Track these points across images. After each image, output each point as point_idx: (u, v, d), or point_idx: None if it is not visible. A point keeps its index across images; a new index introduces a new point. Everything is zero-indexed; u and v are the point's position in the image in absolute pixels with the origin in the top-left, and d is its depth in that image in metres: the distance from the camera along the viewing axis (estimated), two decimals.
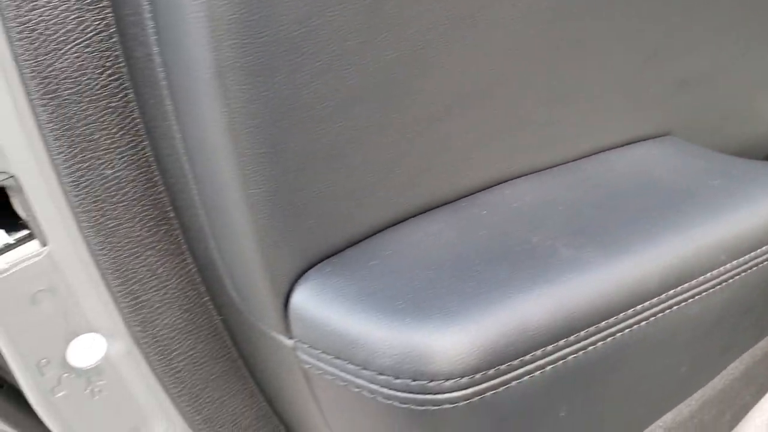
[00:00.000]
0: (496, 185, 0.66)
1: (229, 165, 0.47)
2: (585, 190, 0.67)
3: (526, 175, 0.67)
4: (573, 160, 0.72)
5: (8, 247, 0.53)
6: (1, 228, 0.54)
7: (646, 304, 0.59)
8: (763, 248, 0.69)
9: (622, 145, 0.77)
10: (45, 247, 0.54)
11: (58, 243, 0.54)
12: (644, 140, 0.79)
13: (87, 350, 0.59)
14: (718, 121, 0.89)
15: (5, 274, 0.53)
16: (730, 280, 0.66)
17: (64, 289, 0.55)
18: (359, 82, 0.49)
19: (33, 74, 0.48)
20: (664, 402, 0.73)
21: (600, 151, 0.75)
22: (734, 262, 0.65)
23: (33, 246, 0.54)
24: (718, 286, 0.65)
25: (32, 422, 0.78)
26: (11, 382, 0.78)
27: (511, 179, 0.66)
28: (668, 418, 0.79)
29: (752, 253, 0.67)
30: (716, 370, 0.81)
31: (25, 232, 0.54)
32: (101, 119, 0.51)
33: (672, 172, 0.74)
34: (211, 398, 0.65)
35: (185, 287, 0.60)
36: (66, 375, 0.59)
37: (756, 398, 0.94)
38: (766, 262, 0.70)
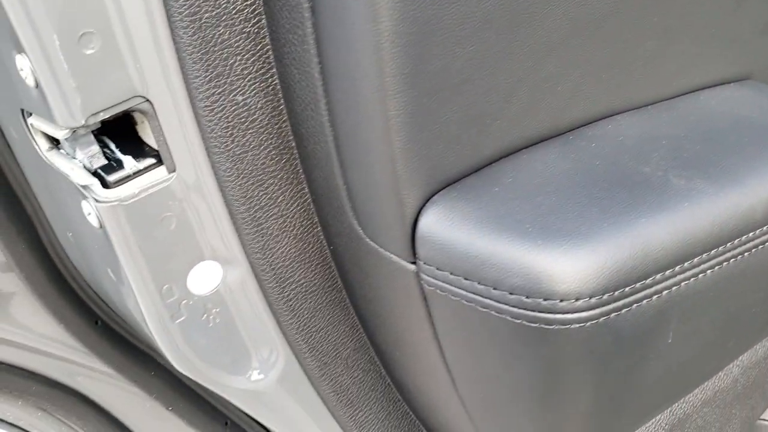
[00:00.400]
0: (598, 120, 0.67)
1: (372, 87, 0.48)
2: (683, 126, 0.68)
3: (626, 111, 0.68)
4: (668, 98, 0.73)
5: (137, 174, 0.54)
6: (129, 154, 0.55)
7: (751, 234, 0.60)
8: None
9: (709, 86, 0.78)
10: (173, 173, 0.55)
11: (185, 169, 0.55)
12: (728, 83, 0.80)
13: (205, 278, 0.60)
14: None
15: (135, 199, 0.54)
16: None
17: (188, 216, 0.57)
18: (493, 5, 0.50)
19: None
20: (752, 335, 0.75)
21: (691, 91, 0.76)
22: None
23: (161, 172, 0.55)
24: None
25: (125, 360, 0.80)
26: (106, 320, 0.80)
27: (611, 115, 0.67)
28: (746, 357, 0.81)
29: None
30: None
31: (152, 160, 0.55)
32: (236, 44, 0.51)
33: (760, 111, 0.75)
34: (317, 327, 0.66)
35: (301, 216, 0.61)
36: (185, 302, 0.60)
37: None
38: None
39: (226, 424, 0.89)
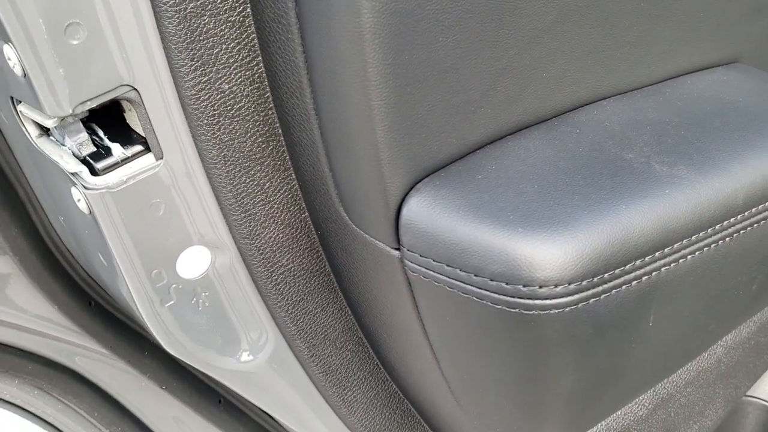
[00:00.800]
0: (584, 105, 0.68)
1: (355, 76, 0.49)
2: (669, 111, 0.69)
3: (612, 96, 0.69)
4: (655, 83, 0.73)
5: (125, 161, 0.55)
6: (116, 141, 0.56)
7: (732, 219, 0.61)
8: None
9: (697, 71, 0.78)
10: (160, 161, 0.56)
11: (173, 156, 0.56)
12: (715, 66, 0.81)
13: (194, 263, 0.62)
14: None
15: (123, 186, 0.55)
16: None
17: (176, 202, 0.57)
18: None
19: None
20: (734, 318, 0.76)
21: (677, 76, 0.76)
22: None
23: (148, 159, 0.56)
24: None
25: (119, 341, 0.82)
26: (99, 301, 0.81)
27: (597, 100, 0.68)
28: (728, 338, 0.83)
29: None
30: None
31: (140, 147, 0.56)
32: (221, 33, 0.52)
33: (747, 96, 0.75)
34: (305, 310, 0.67)
35: (288, 202, 0.62)
36: (175, 286, 0.61)
37: None
38: None
39: (220, 402, 0.91)
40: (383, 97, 0.49)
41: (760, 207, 0.63)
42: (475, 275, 0.53)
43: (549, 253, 0.51)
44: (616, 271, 0.54)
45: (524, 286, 0.52)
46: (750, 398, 1.29)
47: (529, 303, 0.52)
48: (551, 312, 0.53)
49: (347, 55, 0.48)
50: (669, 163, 0.60)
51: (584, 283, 0.53)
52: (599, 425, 0.73)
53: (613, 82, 0.68)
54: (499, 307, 0.53)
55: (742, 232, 0.63)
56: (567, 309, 0.53)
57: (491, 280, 0.52)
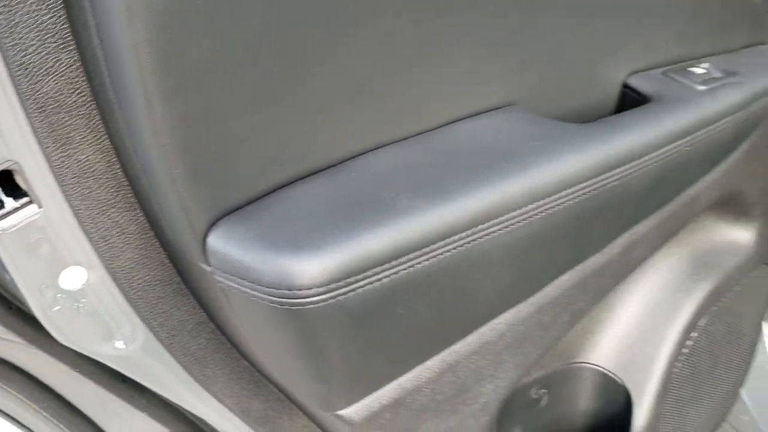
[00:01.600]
0: (367, 152, 0.91)
1: (153, 145, 0.71)
2: (430, 155, 0.92)
3: (392, 143, 0.92)
4: (430, 130, 0.97)
5: (15, 210, 0.79)
6: (10, 196, 0.79)
7: (456, 237, 0.85)
8: (562, 193, 0.95)
9: (474, 115, 1.02)
10: (41, 209, 0.79)
11: (50, 206, 0.79)
12: (491, 110, 1.04)
13: (73, 279, 0.85)
14: (559, 90, 1.13)
15: (14, 228, 0.78)
16: (534, 218, 0.93)
17: (54, 237, 0.81)
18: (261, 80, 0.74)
19: (27, 94, 0.72)
20: (497, 304, 1.01)
21: (454, 121, 1.00)
22: (534, 204, 0.92)
23: (33, 208, 0.79)
24: (522, 222, 0.91)
25: (36, 333, 1.05)
26: (18, 305, 1.04)
27: (378, 147, 0.91)
28: (509, 316, 1.07)
29: (552, 197, 0.94)
30: (541, 284, 1.09)
31: (26, 199, 0.79)
32: (74, 123, 0.75)
33: (505, 136, 0.99)
34: (163, 310, 0.91)
35: (139, 232, 0.85)
36: (59, 295, 0.85)
37: (590, 305, 1.22)
38: (567, 203, 0.97)
39: (124, 380, 1.15)
40: (178, 165, 0.73)
41: (484, 225, 0.87)
42: (259, 285, 0.77)
43: (305, 268, 0.76)
44: (359, 275, 0.78)
45: (289, 290, 0.76)
46: (585, 364, 1.56)
47: (295, 302, 0.76)
48: (311, 307, 0.77)
49: (150, 142, 0.71)
50: (412, 198, 0.84)
51: (332, 285, 0.77)
52: (392, 384, 0.98)
53: (390, 133, 0.91)
54: (277, 306, 0.77)
55: (471, 243, 0.87)
56: (322, 305, 0.77)
57: (268, 287, 0.76)
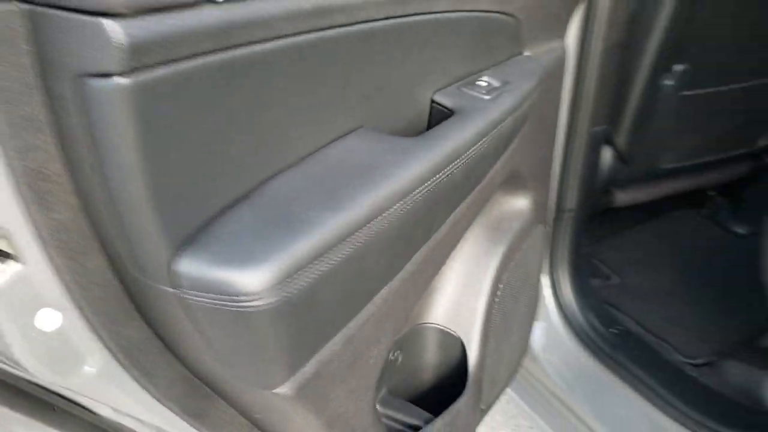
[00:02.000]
0: (270, 179, 1.15)
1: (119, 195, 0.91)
2: (317, 174, 1.14)
3: (285, 170, 1.17)
4: (308, 155, 1.23)
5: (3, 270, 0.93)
6: None
7: (353, 235, 1.13)
8: (415, 192, 1.26)
9: (337, 139, 1.30)
10: (24, 266, 0.94)
11: (30, 264, 0.95)
12: (347, 134, 1.33)
13: (49, 319, 1.00)
14: (391, 112, 1.45)
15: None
16: (399, 213, 1.23)
17: (33, 286, 0.96)
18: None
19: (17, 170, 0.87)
20: (377, 282, 1.31)
21: (324, 146, 1.27)
22: (399, 203, 1.22)
23: (17, 266, 0.94)
24: (392, 217, 1.21)
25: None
26: None
27: (276, 174, 1.16)
28: (385, 291, 1.34)
29: (409, 196, 1.25)
30: (405, 261, 1.40)
31: (10, 261, 0.94)
32: (53, 189, 0.92)
33: (366, 154, 1.26)
34: (120, 332, 1.09)
35: (103, 268, 1.03)
36: (34, 335, 1.00)
37: (433, 274, 1.56)
38: (419, 198, 1.28)
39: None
40: (147, 209, 0.93)
41: (367, 225, 1.16)
42: (216, 294, 0.99)
43: (260, 277, 0.99)
44: (294, 277, 1.03)
45: (238, 296, 0.99)
46: (428, 324, 1.91)
47: (254, 304, 0.99)
48: (266, 307, 1.00)
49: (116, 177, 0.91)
50: (317, 210, 1.09)
51: (278, 286, 1.01)
52: (312, 360, 1.23)
53: (285, 162, 1.16)
54: (230, 309, 1.00)
55: (360, 240, 1.15)
56: (273, 302, 1.01)
57: (222, 295, 0.99)
